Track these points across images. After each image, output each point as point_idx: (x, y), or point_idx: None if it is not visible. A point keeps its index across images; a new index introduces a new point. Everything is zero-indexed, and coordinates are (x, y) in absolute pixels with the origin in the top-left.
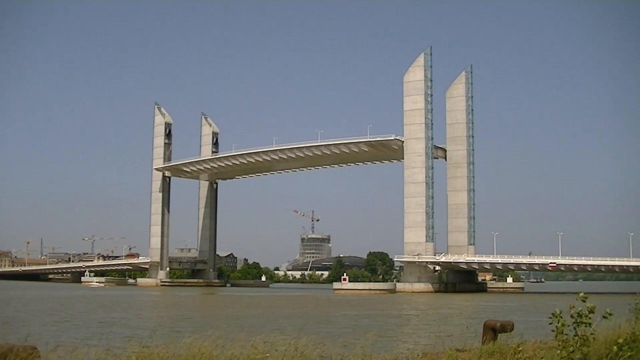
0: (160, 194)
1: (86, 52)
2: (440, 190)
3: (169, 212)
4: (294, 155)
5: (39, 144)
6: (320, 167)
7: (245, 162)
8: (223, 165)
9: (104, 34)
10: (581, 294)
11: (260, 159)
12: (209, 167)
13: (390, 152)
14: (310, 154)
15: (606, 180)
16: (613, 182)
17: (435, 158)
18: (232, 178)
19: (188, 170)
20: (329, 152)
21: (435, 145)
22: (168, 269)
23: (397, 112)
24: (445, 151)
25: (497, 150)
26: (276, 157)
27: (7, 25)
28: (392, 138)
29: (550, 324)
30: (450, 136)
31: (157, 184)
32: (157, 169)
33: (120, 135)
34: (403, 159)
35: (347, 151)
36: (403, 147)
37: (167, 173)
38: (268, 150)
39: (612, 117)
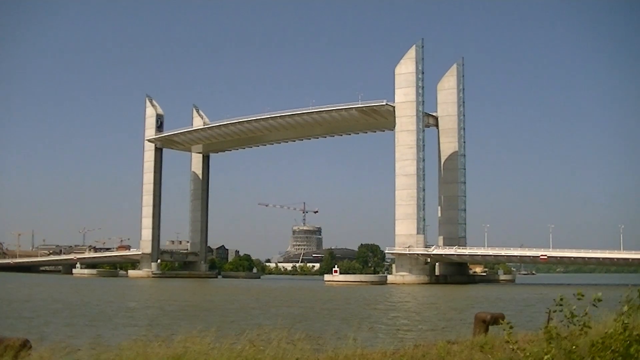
0: (152, 187)
1: (77, 46)
2: (432, 182)
3: (160, 204)
4: (285, 123)
5: (30, 137)
6: (311, 138)
7: (237, 130)
8: (214, 134)
9: (93, 27)
10: (578, 292)
11: (252, 127)
12: (200, 136)
13: (381, 119)
14: (302, 121)
15: (598, 173)
16: (605, 175)
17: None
18: (223, 150)
19: (179, 140)
20: (320, 119)
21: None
22: (159, 260)
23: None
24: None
25: (488, 143)
26: (267, 125)
27: None
28: (384, 103)
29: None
30: (442, 128)
31: (149, 175)
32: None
33: (112, 128)
34: (394, 127)
35: (339, 117)
36: (394, 115)
37: (158, 144)
38: (260, 118)
39: (605, 109)
